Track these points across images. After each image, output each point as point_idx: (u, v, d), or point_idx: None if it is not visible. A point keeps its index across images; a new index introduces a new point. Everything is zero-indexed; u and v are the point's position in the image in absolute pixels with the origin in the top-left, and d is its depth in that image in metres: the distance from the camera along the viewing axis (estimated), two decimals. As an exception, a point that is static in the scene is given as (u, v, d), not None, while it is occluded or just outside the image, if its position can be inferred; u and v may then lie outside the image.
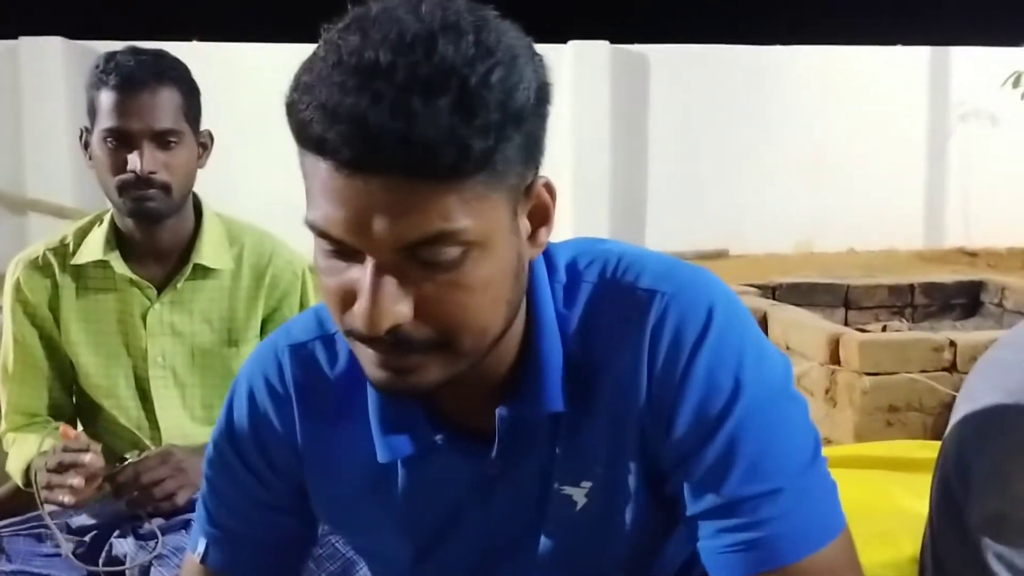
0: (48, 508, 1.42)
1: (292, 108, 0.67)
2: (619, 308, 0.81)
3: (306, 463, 0.90)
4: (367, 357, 0.74)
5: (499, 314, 0.74)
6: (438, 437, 0.83)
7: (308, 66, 0.67)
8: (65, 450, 1.43)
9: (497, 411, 0.81)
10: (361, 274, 0.69)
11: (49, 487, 1.40)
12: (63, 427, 1.50)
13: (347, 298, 0.71)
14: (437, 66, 0.64)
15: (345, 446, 0.87)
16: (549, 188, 0.76)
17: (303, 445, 0.89)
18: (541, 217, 0.76)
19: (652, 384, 0.79)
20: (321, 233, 0.69)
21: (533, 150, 0.72)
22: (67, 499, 1.40)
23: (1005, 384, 0.92)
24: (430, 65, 0.64)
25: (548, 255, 0.84)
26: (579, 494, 0.84)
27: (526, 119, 0.69)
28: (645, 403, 0.79)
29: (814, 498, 0.78)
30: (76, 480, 1.40)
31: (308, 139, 0.67)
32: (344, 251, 0.69)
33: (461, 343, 0.72)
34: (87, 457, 1.42)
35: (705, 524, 0.78)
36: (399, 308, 0.68)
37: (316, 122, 0.65)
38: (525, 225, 0.75)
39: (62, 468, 1.41)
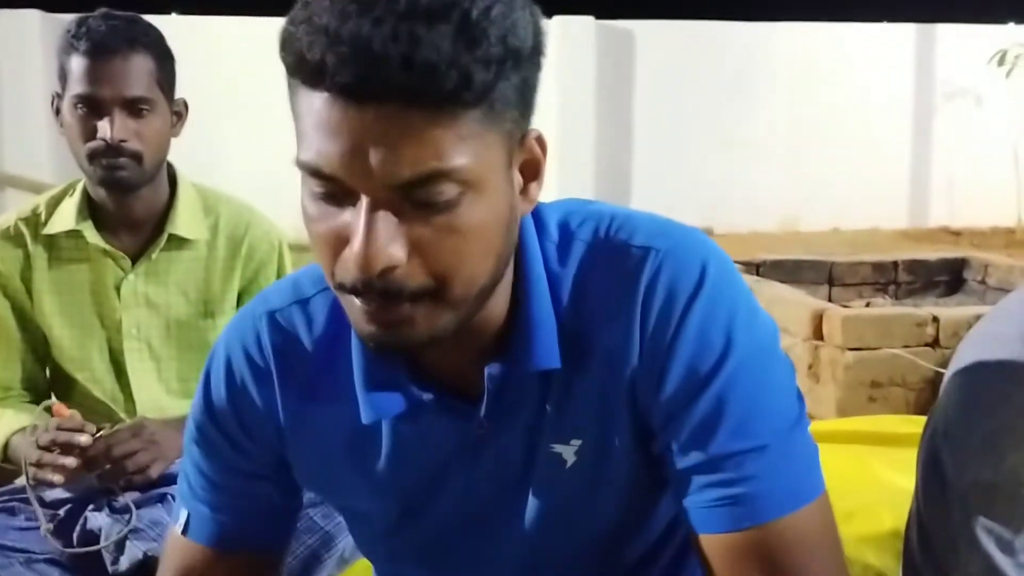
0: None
1: (289, 40, 0.66)
2: (613, 266, 0.80)
3: (287, 430, 0.88)
4: (357, 311, 0.72)
5: (489, 265, 0.73)
6: (425, 396, 0.82)
7: (304, 2, 0.66)
8: (59, 428, 1.41)
9: (487, 369, 0.80)
10: (354, 216, 0.67)
11: (39, 464, 1.38)
12: (56, 405, 1.48)
13: (338, 244, 0.69)
14: None
15: (327, 410, 0.86)
16: (541, 142, 0.76)
17: (283, 413, 0.88)
18: (533, 171, 0.76)
19: (644, 341, 0.79)
20: (313, 171, 0.67)
21: (528, 97, 0.71)
22: (57, 479, 1.38)
23: (997, 356, 0.92)
24: None
25: (537, 214, 0.83)
26: (569, 452, 0.84)
27: (524, 60, 0.69)
28: (637, 360, 0.79)
29: (797, 458, 0.79)
30: (69, 460, 1.39)
31: (306, 66, 0.65)
32: (336, 193, 0.68)
33: (451, 291, 0.70)
34: (82, 438, 1.40)
35: (691, 479, 0.78)
36: (393, 249, 0.67)
37: (316, 45, 0.64)
38: (518, 179, 0.74)
39: (54, 447, 1.39)
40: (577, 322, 0.81)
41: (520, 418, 0.83)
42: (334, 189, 0.68)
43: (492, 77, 0.65)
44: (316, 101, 0.66)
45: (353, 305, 0.72)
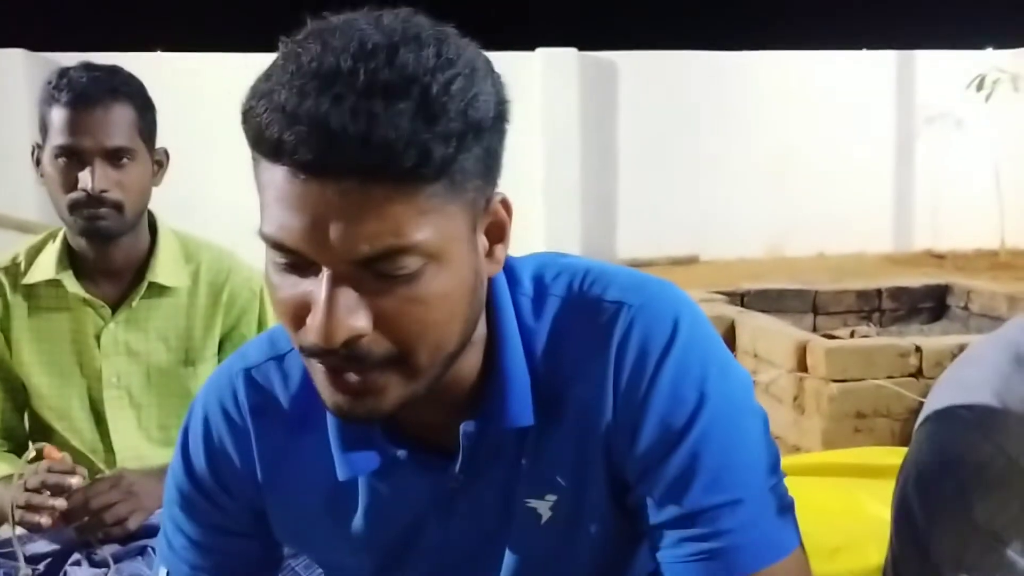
0: (18, 531, 1.38)
1: (249, 114, 0.67)
2: (586, 321, 0.81)
3: (265, 487, 0.89)
4: (322, 381, 0.72)
5: (455, 330, 0.73)
6: (399, 452, 0.82)
7: (267, 75, 0.67)
8: (50, 471, 1.39)
9: (462, 427, 0.80)
10: (316, 286, 0.68)
11: (28, 507, 1.37)
12: (47, 447, 1.47)
13: (301, 312, 0.69)
14: (398, 72, 0.64)
15: (304, 465, 0.86)
16: (506, 205, 0.76)
17: (261, 469, 0.88)
18: (498, 234, 0.76)
19: (618, 398, 0.79)
20: (276, 244, 0.68)
21: (492, 165, 0.72)
22: (45, 521, 1.37)
23: (965, 405, 0.92)
24: (391, 71, 0.64)
25: (510, 268, 0.84)
26: (544, 507, 0.84)
27: (486, 131, 0.69)
28: (611, 417, 0.80)
29: (773, 511, 0.79)
30: (59, 502, 1.37)
31: (265, 142, 0.66)
32: (298, 264, 0.68)
33: (417, 358, 0.71)
34: (74, 480, 1.39)
35: (666, 534, 0.79)
36: (355, 320, 0.67)
37: (274, 123, 0.64)
38: (483, 242, 0.74)
39: (44, 488, 1.38)
40: (551, 377, 0.81)
41: (495, 473, 0.83)
42: (296, 260, 0.68)
43: (452, 151, 0.66)
44: (277, 175, 0.66)
45: (317, 372, 0.72)
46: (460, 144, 0.66)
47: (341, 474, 0.82)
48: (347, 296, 0.67)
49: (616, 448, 0.81)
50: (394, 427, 0.83)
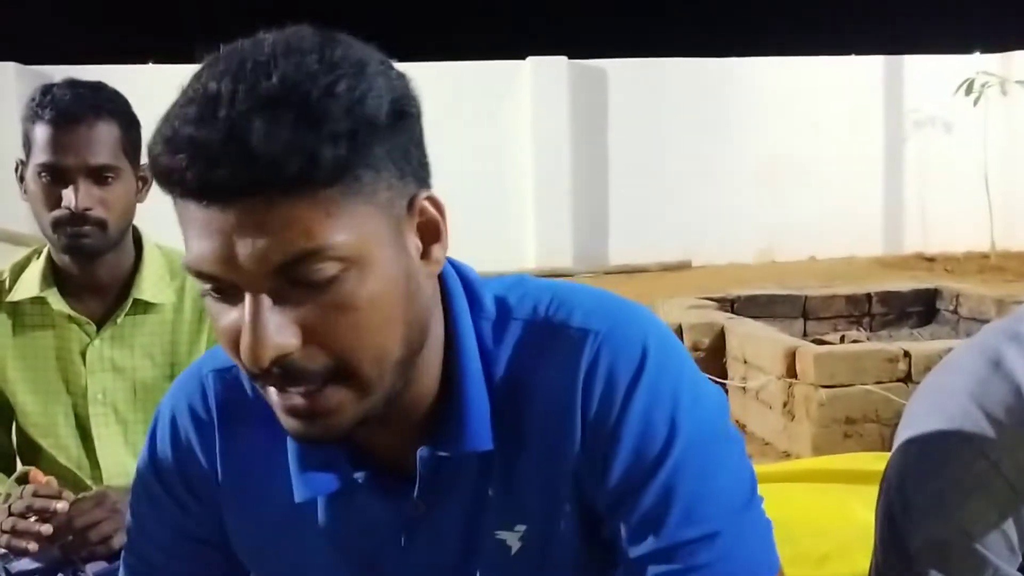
0: (1, 550, 1.38)
1: (148, 151, 0.68)
2: (551, 347, 0.79)
3: (224, 493, 0.87)
4: (276, 405, 0.72)
5: (395, 335, 0.71)
6: (358, 475, 0.81)
7: (165, 112, 0.68)
8: (35, 495, 1.39)
9: (418, 451, 0.79)
10: (241, 311, 0.68)
11: (14, 532, 1.37)
12: (33, 471, 1.47)
13: (236, 338, 0.69)
14: (277, 85, 0.64)
15: (265, 478, 0.85)
16: (435, 203, 0.74)
17: (222, 474, 0.87)
18: (432, 234, 0.74)
19: (586, 428, 0.77)
20: (195, 272, 0.68)
21: (403, 163, 0.70)
22: (32, 546, 1.37)
23: (944, 410, 0.92)
24: (269, 85, 0.64)
25: (473, 291, 0.82)
26: (513, 538, 0.82)
27: (382, 128, 0.67)
28: (580, 447, 0.78)
29: (750, 540, 0.78)
30: (45, 527, 1.37)
31: (159, 175, 0.67)
32: (223, 290, 0.68)
33: (359, 369, 0.70)
34: (59, 505, 1.39)
35: (643, 569, 0.77)
36: (282, 337, 0.67)
37: (162, 155, 0.66)
38: (415, 243, 0.73)
39: (30, 513, 1.38)
40: (514, 403, 0.79)
41: (457, 499, 0.82)
42: (219, 286, 0.68)
43: (344, 152, 0.65)
44: (186, 208, 0.67)
45: (271, 396, 0.72)
46: (353, 143, 0.65)
47: (299, 495, 0.81)
48: (272, 313, 0.67)
49: (586, 479, 0.79)
50: (356, 449, 0.81)
